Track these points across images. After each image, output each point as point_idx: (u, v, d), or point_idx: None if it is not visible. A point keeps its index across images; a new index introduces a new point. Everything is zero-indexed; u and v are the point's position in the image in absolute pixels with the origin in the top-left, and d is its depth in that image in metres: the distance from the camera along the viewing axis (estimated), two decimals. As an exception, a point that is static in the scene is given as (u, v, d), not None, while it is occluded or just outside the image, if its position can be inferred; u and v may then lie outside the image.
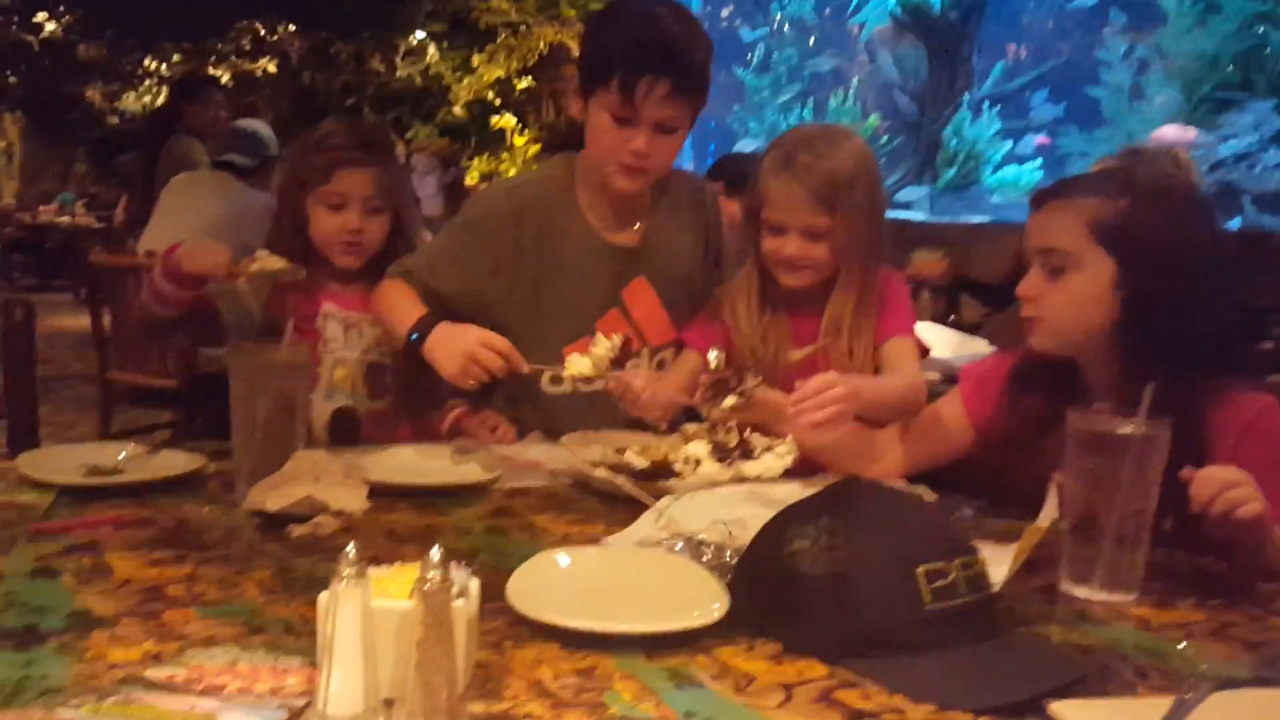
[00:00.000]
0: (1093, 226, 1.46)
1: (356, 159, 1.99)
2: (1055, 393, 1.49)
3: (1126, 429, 1.22)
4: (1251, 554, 1.30)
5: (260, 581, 1.16)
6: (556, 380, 1.90)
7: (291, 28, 11.01)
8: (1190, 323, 1.43)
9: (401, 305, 1.84)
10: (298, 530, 1.31)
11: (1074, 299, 1.48)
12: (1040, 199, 1.55)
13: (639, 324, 1.95)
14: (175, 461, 1.57)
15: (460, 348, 1.67)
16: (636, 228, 1.97)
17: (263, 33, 11.02)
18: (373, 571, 0.88)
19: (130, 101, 10.86)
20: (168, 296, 1.90)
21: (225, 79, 10.28)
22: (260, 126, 4.36)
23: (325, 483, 1.36)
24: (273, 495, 1.34)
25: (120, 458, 1.57)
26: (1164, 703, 0.90)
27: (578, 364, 1.71)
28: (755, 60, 8.68)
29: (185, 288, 1.89)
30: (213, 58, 10.83)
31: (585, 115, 1.87)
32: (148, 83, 11.09)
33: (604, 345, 1.71)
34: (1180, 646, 1.08)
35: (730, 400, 1.58)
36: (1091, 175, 1.60)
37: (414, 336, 1.76)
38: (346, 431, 1.94)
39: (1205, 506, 1.23)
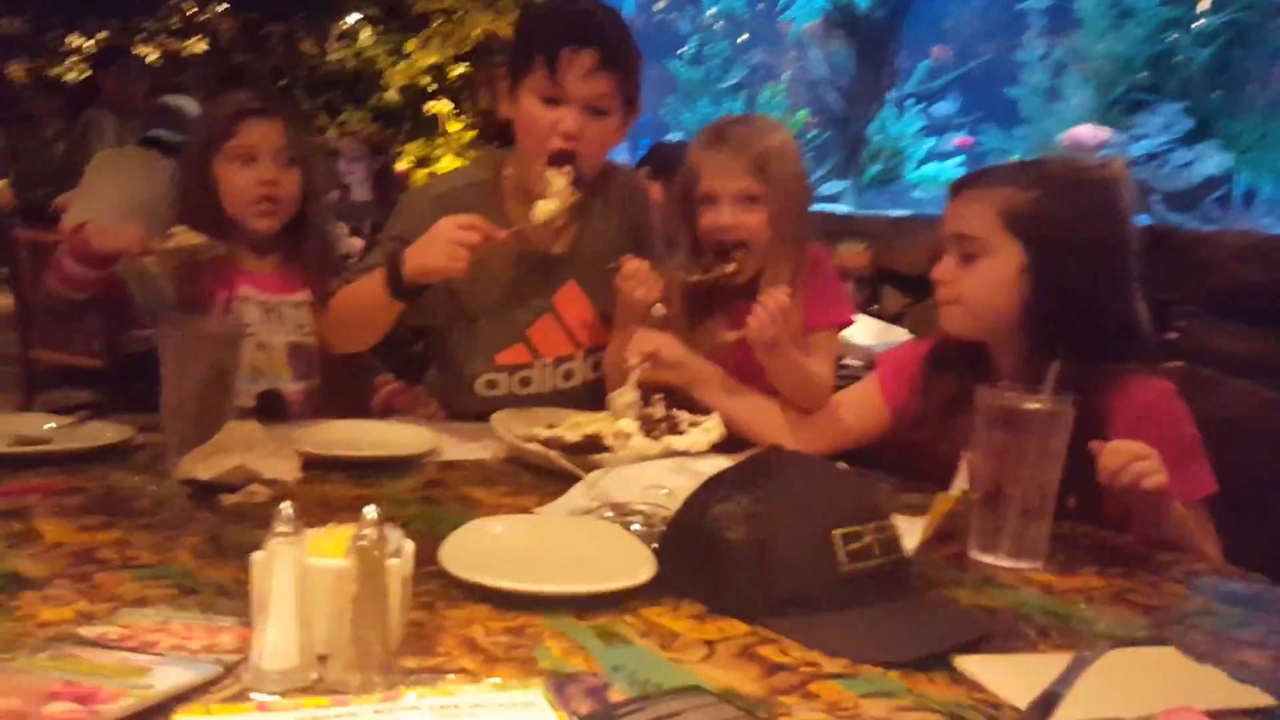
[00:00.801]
0: (1004, 215, 1.52)
1: (260, 109, 1.99)
2: (966, 374, 1.54)
3: (1032, 404, 1.28)
4: (1150, 525, 1.38)
5: (193, 547, 1.16)
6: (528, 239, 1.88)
7: (222, 7, 10.80)
8: (1094, 309, 1.50)
9: (362, 281, 1.81)
10: (230, 499, 1.31)
11: (985, 283, 1.54)
12: (957, 187, 1.61)
13: (572, 329, 1.94)
14: (104, 432, 1.56)
15: (438, 239, 1.66)
16: (567, 233, 1.94)
17: (192, 11, 10.79)
18: (308, 532, 0.90)
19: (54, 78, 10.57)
20: (76, 277, 1.86)
21: (153, 58, 10.05)
22: (187, 103, 4.27)
23: (258, 453, 1.36)
24: (204, 464, 1.34)
25: (47, 428, 1.55)
26: (1064, 659, 0.96)
27: (545, 208, 1.75)
28: (688, 53, 8.73)
29: (94, 268, 1.84)
30: (141, 35, 10.57)
31: (515, 112, 1.84)
32: (71, 60, 10.79)
33: (558, 180, 1.76)
34: (1081, 608, 1.14)
35: (732, 266, 1.76)
36: (1006, 166, 1.68)
37: (394, 284, 1.72)
38: (272, 413, 1.93)
39: (1113, 477, 1.29)
